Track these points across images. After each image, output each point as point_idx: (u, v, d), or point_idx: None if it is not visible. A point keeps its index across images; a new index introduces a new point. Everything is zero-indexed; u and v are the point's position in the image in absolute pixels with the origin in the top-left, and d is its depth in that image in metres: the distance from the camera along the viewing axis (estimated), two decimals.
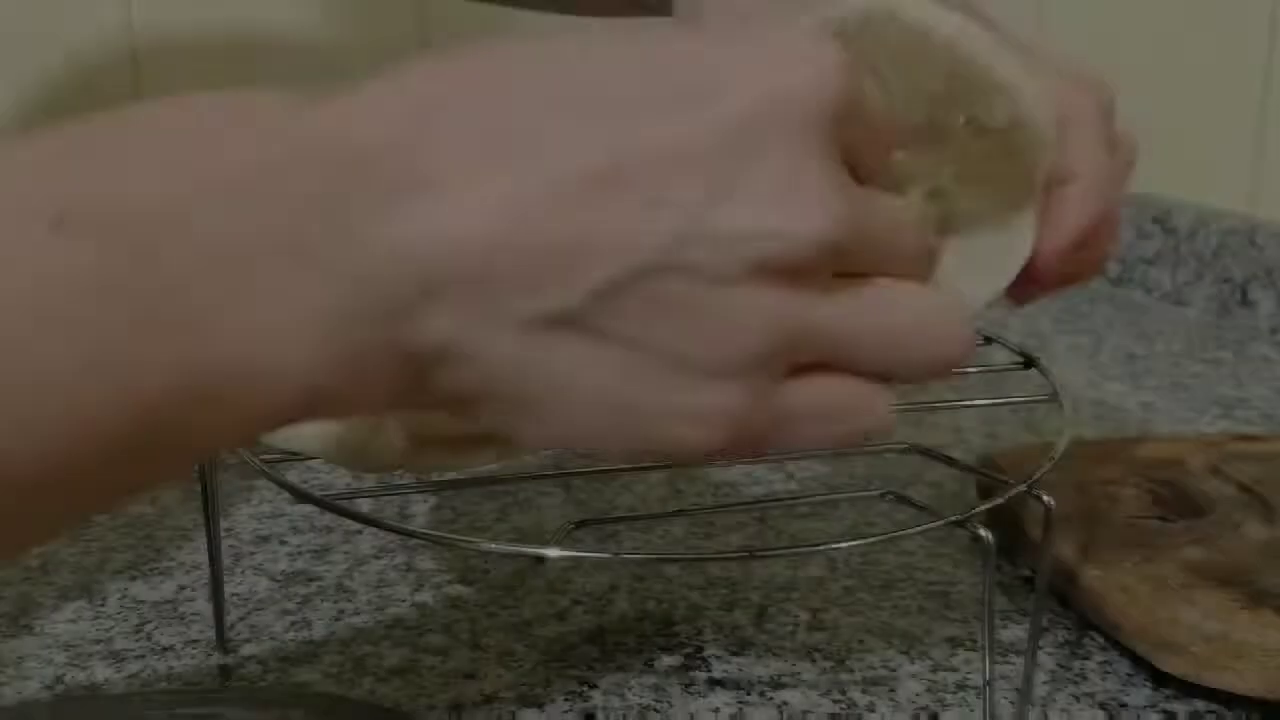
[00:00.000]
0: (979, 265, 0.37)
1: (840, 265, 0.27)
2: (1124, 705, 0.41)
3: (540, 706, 0.41)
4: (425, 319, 0.25)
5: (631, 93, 0.26)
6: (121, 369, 0.23)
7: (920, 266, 0.30)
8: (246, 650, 0.44)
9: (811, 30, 0.36)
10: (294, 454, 0.40)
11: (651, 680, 0.42)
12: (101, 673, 0.43)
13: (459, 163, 0.25)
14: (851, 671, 0.43)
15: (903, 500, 0.39)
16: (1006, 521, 0.50)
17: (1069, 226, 0.37)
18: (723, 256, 0.25)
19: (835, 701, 0.41)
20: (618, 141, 0.25)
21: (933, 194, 0.38)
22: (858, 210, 0.27)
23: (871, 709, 0.41)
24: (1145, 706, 0.41)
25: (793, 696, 0.41)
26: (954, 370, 0.30)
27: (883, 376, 0.29)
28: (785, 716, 0.40)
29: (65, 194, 0.23)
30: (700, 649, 0.44)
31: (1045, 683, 0.42)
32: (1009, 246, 0.37)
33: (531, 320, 0.25)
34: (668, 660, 0.43)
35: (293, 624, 0.46)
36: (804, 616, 0.46)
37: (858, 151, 0.28)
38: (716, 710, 0.41)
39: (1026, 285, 0.39)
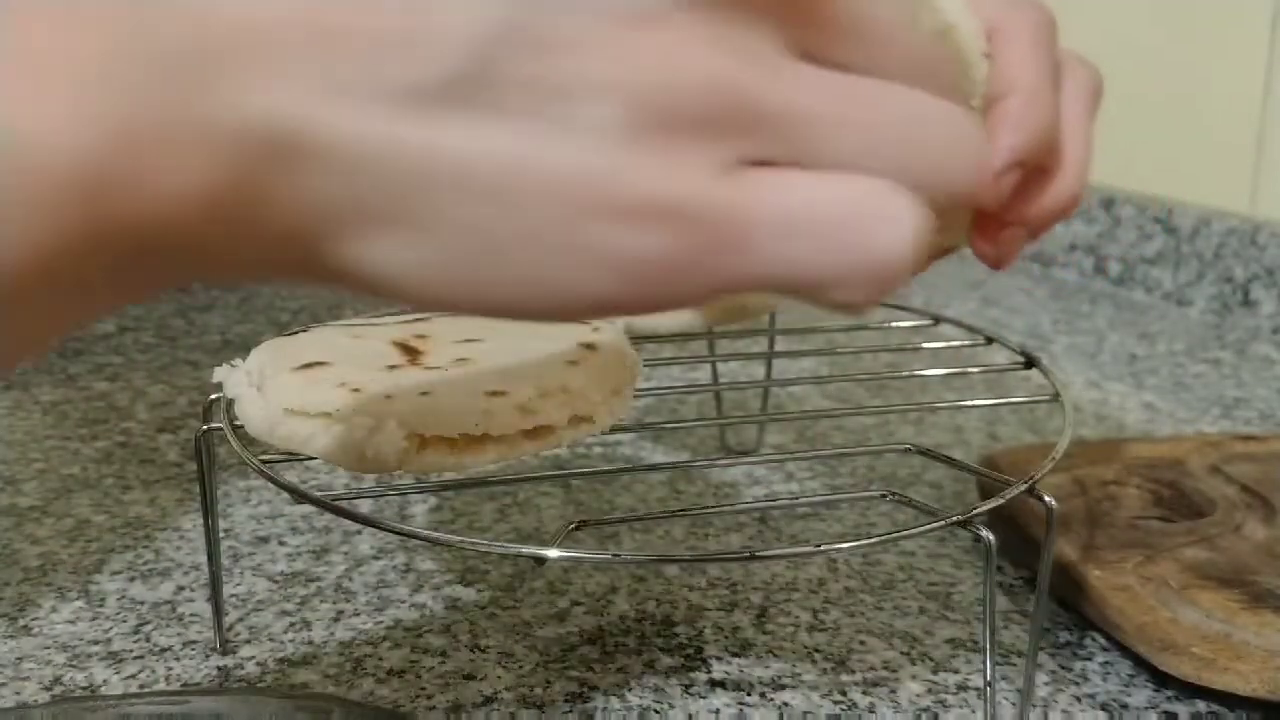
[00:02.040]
0: None
1: (808, 45, 0.22)
2: (1125, 706, 0.41)
3: (540, 708, 0.40)
4: (246, 88, 0.19)
5: None
6: None
7: (939, 76, 0.23)
8: (245, 651, 0.44)
9: None
10: (293, 454, 0.40)
11: (652, 681, 0.42)
12: (100, 674, 0.42)
13: None
14: (852, 672, 0.43)
15: (903, 501, 0.39)
16: (1007, 522, 0.50)
17: (1006, 144, 0.33)
18: None
19: (836, 703, 0.41)
20: None
21: None
22: None
23: (872, 710, 0.41)
24: (1146, 708, 0.41)
25: (793, 697, 0.41)
26: (972, 188, 0.23)
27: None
28: (786, 718, 0.40)
29: None
30: (700, 650, 0.44)
31: (1046, 684, 0.42)
32: None
33: (403, 92, 0.19)
34: (668, 661, 0.43)
35: (292, 625, 0.46)
36: (804, 617, 0.46)
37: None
38: (717, 711, 0.40)
39: (983, 227, 0.36)
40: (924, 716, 0.40)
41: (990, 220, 0.36)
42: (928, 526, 0.36)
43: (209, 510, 0.43)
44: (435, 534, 0.36)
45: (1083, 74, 0.37)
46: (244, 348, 0.41)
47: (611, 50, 0.19)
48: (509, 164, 0.20)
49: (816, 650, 0.44)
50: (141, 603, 0.47)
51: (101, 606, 0.47)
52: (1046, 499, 0.37)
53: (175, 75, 0.19)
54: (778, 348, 0.59)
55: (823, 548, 0.35)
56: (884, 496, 0.39)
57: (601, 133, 0.20)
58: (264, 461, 0.39)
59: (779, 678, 0.42)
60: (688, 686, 0.42)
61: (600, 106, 0.19)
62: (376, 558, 0.51)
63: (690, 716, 0.40)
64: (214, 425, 0.42)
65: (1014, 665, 0.43)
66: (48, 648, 0.44)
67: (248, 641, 0.45)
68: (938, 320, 0.57)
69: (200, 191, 0.19)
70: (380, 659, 0.43)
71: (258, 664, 0.43)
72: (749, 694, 0.41)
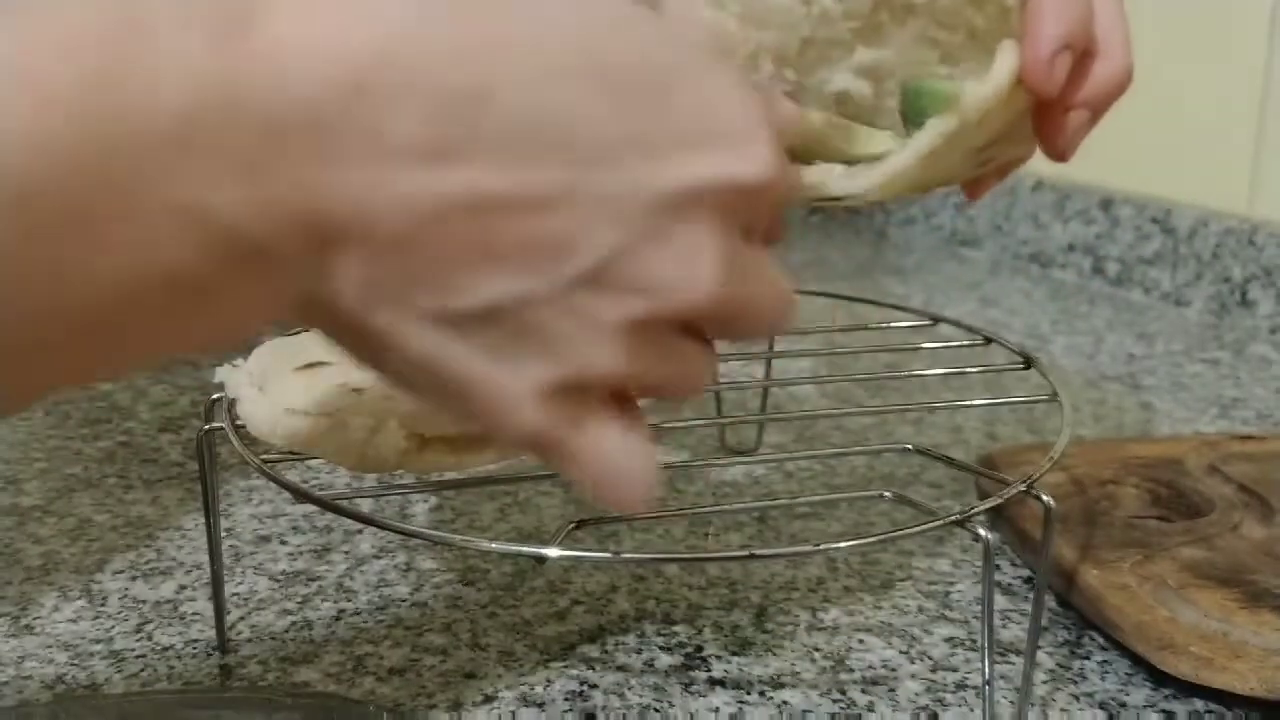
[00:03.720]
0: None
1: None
2: (1123, 705, 0.41)
3: (540, 706, 0.41)
4: (334, 178, 0.25)
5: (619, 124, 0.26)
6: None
7: (769, 322, 0.31)
8: (247, 650, 0.44)
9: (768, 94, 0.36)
10: (295, 454, 0.40)
11: (652, 680, 0.42)
12: (102, 673, 0.43)
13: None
14: (851, 671, 0.43)
15: (902, 500, 0.39)
16: (1006, 521, 0.50)
17: (1049, 32, 0.35)
18: (610, 300, 0.27)
19: (835, 701, 0.41)
20: (574, 168, 0.26)
21: (947, 61, 0.37)
22: (735, 284, 0.28)
23: (871, 709, 0.41)
24: (1144, 706, 0.41)
25: (792, 696, 0.41)
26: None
27: None
28: (785, 716, 0.40)
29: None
30: (700, 649, 0.44)
31: (1045, 682, 0.42)
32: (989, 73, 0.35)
33: (433, 310, 0.26)
34: (668, 660, 0.44)
35: (293, 624, 0.46)
36: (804, 616, 0.46)
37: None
38: (716, 710, 0.41)
39: (1047, 118, 0.37)
40: (922, 715, 0.41)
41: (1052, 109, 0.37)
42: (926, 526, 0.36)
43: (210, 509, 0.43)
44: (436, 533, 0.36)
45: None
46: (246, 347, 0.41)
47: (566, 329, 0.27)
48: (458, 366, 0.27)
49: (816, 649, 0.44)
50: (143, 602, 0.47)
51: (104, 605, 0.47)
52: (1045, 498, 0.38)
53: (309, 160, 0.25)
54: (777, 347, 0.59)
55: (822, 547, 0.35)
56: (883, 496, 0.39)
57: (529, 379, 0.28)
58: (265, 461, 0.39)
59: (778, 676, 0.43)
60: (687, 685, 0.42)
61: (537, 366, 0.27)
62: (377, 557, 0.51)
63: (690, 715, 0.40)
64: (216, 425, 0.42)
65: (1012, 664, 0.43)
66: (50, 646, 0.44)
67: (249, 640, 0.45)
68: (936, 320, 0.57)
69: (293, 265, 0.25)
70: (381, 658, 0.43)
71: (259, 663, 0.43)
72: (748, 693, 0.42)
